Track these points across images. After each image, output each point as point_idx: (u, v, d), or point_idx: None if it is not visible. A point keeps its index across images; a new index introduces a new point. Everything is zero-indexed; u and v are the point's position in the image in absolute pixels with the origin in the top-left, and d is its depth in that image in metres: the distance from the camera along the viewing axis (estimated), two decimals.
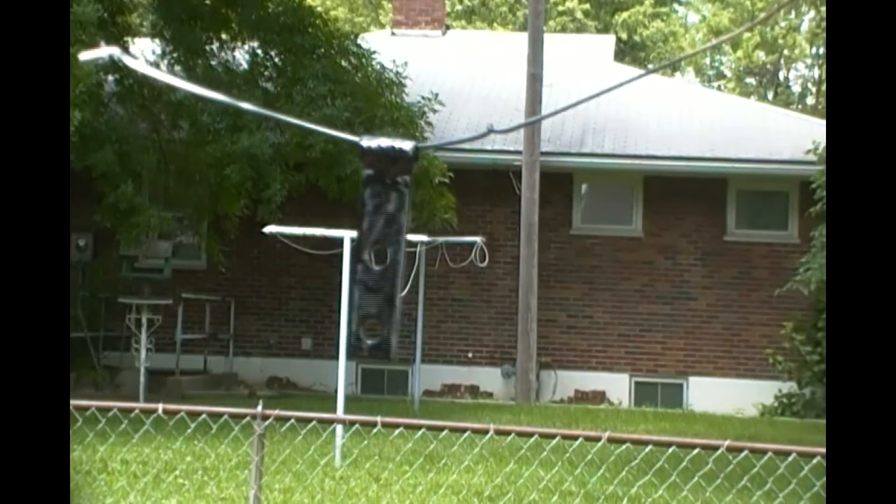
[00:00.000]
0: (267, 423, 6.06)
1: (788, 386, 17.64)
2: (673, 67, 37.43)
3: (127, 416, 6.63)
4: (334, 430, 9.76)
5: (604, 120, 18.64)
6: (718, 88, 39.90)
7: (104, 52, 1.80)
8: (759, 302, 17.87)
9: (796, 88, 44.86)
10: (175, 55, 15.89)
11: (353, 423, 8.67)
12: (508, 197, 17.93)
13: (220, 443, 8.55)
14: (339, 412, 10.10)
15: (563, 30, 37.28)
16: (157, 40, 16.46)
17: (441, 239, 14.88)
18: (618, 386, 18.16)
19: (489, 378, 18.25)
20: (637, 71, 26.17)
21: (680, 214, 18.25)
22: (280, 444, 9.33)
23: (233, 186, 14.79)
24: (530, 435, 7.00)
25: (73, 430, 5.66)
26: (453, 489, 8.45)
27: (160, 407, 6.18)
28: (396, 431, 9.78)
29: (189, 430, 7.21)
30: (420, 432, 8.76)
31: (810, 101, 42.24)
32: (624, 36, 39.34)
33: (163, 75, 2.11)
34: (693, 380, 18.11)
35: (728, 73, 44.82)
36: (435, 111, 16.33)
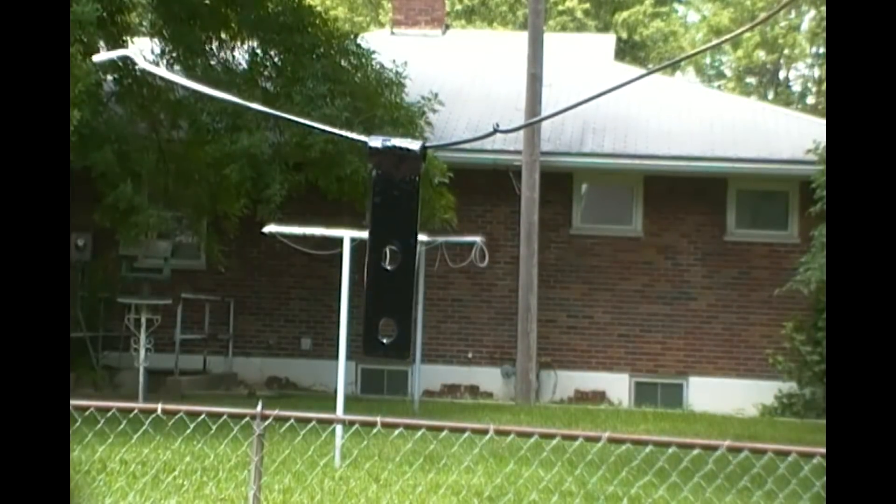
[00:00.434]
0: (266, 423, 6.06)
1: (788, 386, 17.65)
2: (673, 67, 37.43)
3: (126, 416, 6.63)
4: (334, 430, 9.76)
5: (604, 120, 18.63)
6: (718, 88, 39.89)
7: (118, 53, 1.81)
8: (759, 302, 17.87)
9: (796, 88, 44.86)
10: (174, 55, 15.89)
11: (352, 423, 8.67)
12: (508, 197, 17.93)
13: (220, 443, 8.55)
14: (339, 412, 10.10)
15: (563, 29, 37.28)
16: (156, 40, 16.45)
17: (441, 239, 14.88)
18: (618, 386, 18.16)
19: (489, 378, 18.25)
20: (637, 71, 26.17)
21: (680, 214, 18.25)
22: (279, 444, 9.33)
23: (232, 186, 14.79)
24: (530, 435, 7.00)
25: (73, 430, 5.65)
26: (453, 489, 8.45)
27: (159, 407, 6.18)
28: (396, 431, 9.77)
29: (188, 431, 7.20)
30: (420, 432, 8.75)
31: (810, 100, 42.24)
32: (624, 35, 39.34)
33: (176, 77, 2.12)
34: (693, 380, 18.12)
35: (728, 73, 44.82)
36: (435, 111, 16.32)
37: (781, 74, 44.28)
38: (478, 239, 15.38)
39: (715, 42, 13.27)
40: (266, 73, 15.97)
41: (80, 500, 7.04)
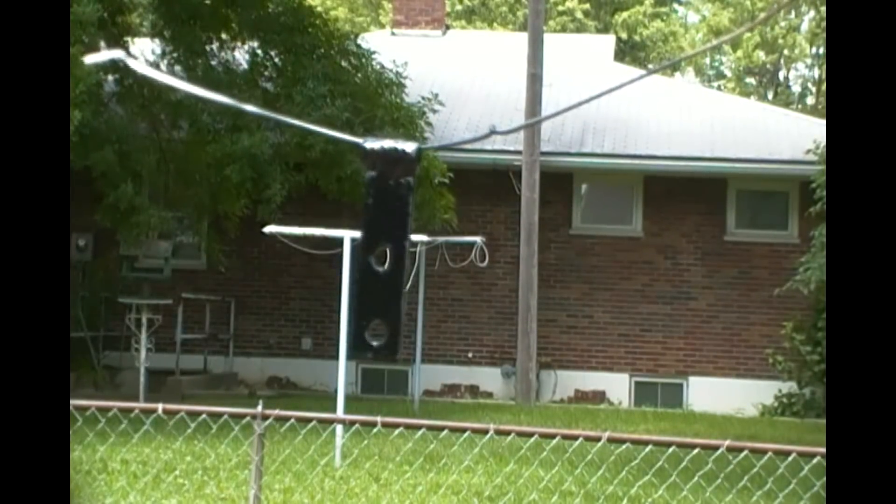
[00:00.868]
0: (267, 423, 6.06)
1: (788, 386, 17.64)
2: (673, 67, 37.43)
3: (127, 416, 6.64)
4: (334, 430, 9.76)
5: (604, 120, 18.63)
6: (718, 88, 39.89)
7: (108, 55, 1.81)
8: (759, 302, 17.87)
9: (796, 88, 44.87)
10: (175, 55, 15.89)
11: (353, 423, 8.67)
12: (508, 197, 17.93)
13: (220, 443, 8.55)
14: (339, 412, 10.10)
15: (563, 30, 37.29)
16: (157, 40, 16.45)
17: (441, 239, 14.88)
18: (618, 386, 18.16)
19: (489, 378, 18.25)
20: (637, 71, 26.19)
21: (680, 214, 18.25)
22: (280, 444, 9.33)
23: (233, 186, 14.80)
24: (530, 435, 7.00)
25: (73, 430, 5.66)
26: (453, 489, 8.45)
27: (160, 407, 6.18)
28: (396, 431, 9.77)
29: (189, 430, 7.20)
30: (420, 432, 8.76)
31: (810, 101, 42.25)
32: (624, 36, 39.34)
33: (166, 77, 2.12)
34: (693, 380, 18.11)
35: (728, 73, 44.83)
36: (435, 111, 16.32)
37: (781, 75, 44.28)
38: (478, 239, 15.38)
39: (715, 42, 13.29)
40: (266, 73, 15.98)
41: (81, 500, 7.04)
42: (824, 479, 2.63)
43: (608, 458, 8.97)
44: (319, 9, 19.06)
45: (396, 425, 7.73)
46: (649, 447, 6.57)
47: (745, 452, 6.26)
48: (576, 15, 39.27)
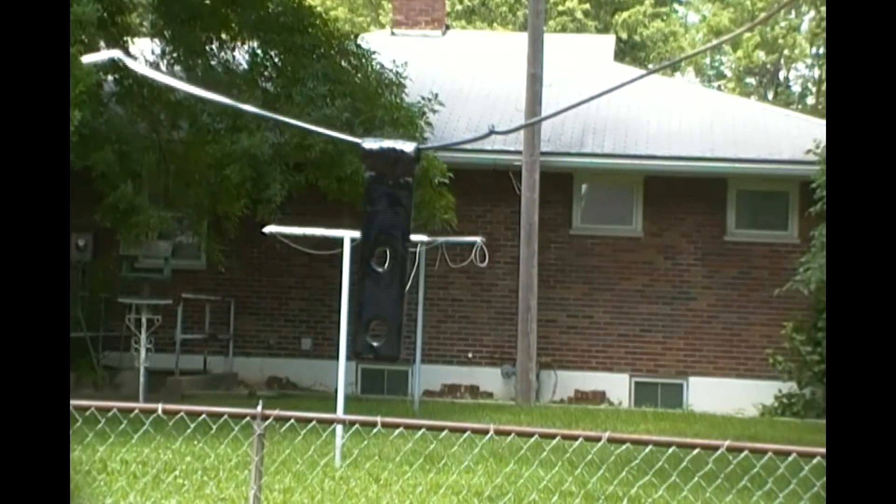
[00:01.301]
0: (267, 423, 6.06)
1: (788, 386, 17.64)
2: (673, 67, 37.43)
3: (126, 416, 6.63)
4: (334, 430, 9.77)
5: (604, 120, 18.64)
6: (718, 88, 39.90)
7: (106, 54, 1.81)
8: (759, 302, 17.87)
9: (796, 88, 44.87)
10: (175, 55, 15.88)
11: (353, 423, 8.67)
12: (508, 197, 17.93)
13: (220, 443, 8.55)
14: (339, 412, 10.10)
15: (563, 30, 37.29)
16: (156, 40, 16.44)
17: (441, 239, 14.88)
18: (618, 386, 18.16)
19: (489, 378, 18.25)
20: (637, 71, 26.19)
21: (680, 214, 18.24)
22: (280, 444, 9.33)
23: (233, 186, 14.79)
24: (530, 435, 7.00)
25: (73, 430, 5.65)
26: (453, 489, 8.45)
27: (160, 407, 6.18)
28: (396, 431, 9.77)
29: (189, 430, 7.20)
30: (420, 432, 8.76)
31: (810, 101, 42.25)
32: (624, 36, 39.35)
33: (164, 77, 2.12)
34: (693, 380, 18.11)
35: (728, 73, 44.83)
36: (435, 111, 16.32)
37: (781, 75, 44.28)
38: (478, 239, 15.38)
39: (715, 42, 13.30)
40: (266, 73, 15.97)
41: (81, 500, 7.04)
42: (824, 479, 2.63)
43: (608, 459, 8.97)
44: (319, 9, 19.06)
45: (396, 425, 7.73)
46: (649, 447, 6.57)
47: (745, 453, 6.26)
48: (576, 15, 39.27)
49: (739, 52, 41.50)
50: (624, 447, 8.33)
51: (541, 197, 17.21)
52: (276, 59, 15.88)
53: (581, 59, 21.34)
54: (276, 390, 17.88)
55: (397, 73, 16.13)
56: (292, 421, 6.64)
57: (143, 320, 14.77)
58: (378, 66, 16.11)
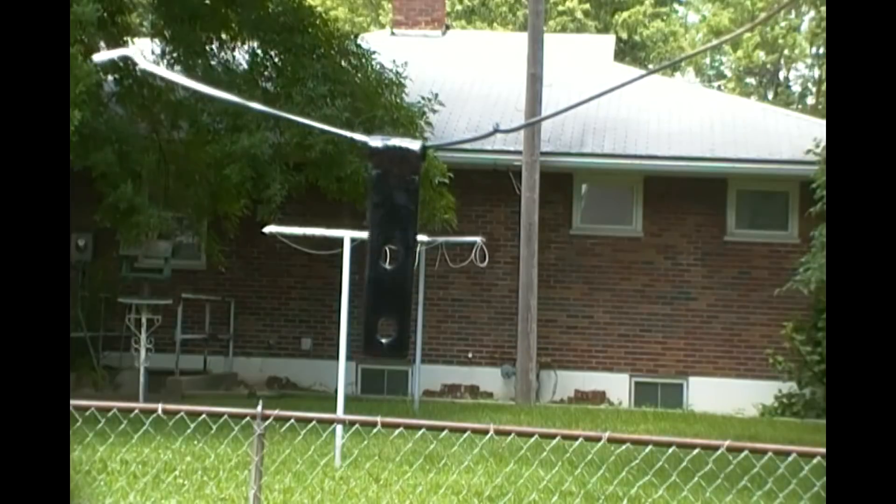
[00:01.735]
0: (267, 423, 6.06)
1: (788, 386, 17.64)
2: (673, 67, 37.43)
3: (126, 416, 6.63)
4: (334, 430, 9.76)
5: (604, 120, 18.64)
6: (718, 88, 39.89)
7: (118, 52, 1.81)
8: (759, 302, 17.87)
9: (796, 88, 44.86)
10: (175, 55, 15.88)
11: (353, 423, 8.67)
12: (508, 197, 17.93)
13: (220, 443, 8.55)
14: (339, 412, 10.10)
15: (563, 30, 37.28)
16: (156, 40, 16.44)
17: (441, 239, 14.88)
18: (618, 386, 18.16)
19: (489, 378, 18.25)
20: (637, 71, 26.20)
21: (680, 214, 18.24)
22: (280, 444, 9.33)
23: (233, 186, 14.79)
24: (530, 435, 7.00)
25: (73, 430, 5.66)
26: (453, 489, 8.45)
27: (160, 407, 6.18)
28: (396, 431, 9.78)
29: (189, 431, 7.21)
30: (420, 432, 8.76)
31: (810, 101, 42.24)
32: (624, 36, 39.34)
33: (177, 77, 2.12)
34: (693, 380, 18.11)
35: (728, 73, 44.82)
36: (435, 111, 16.32)
37: (781, 75, 44.28)
38: (478, 239, 15.38)
39: (715, 42, 13.30)
40: (266, 73, 15.97)
41: (81, 500, 7.04)
42: (824, 479, 2.63)
43: (608, 459, 8.97)
44: (319, 9, 19.05)
45: (396, 425, 7.73)
46: (649, 447, 6.57)
47: (745, 453, 6.26)
48: (576, 15, 39.26)
49: (739, 52, 41.49)
50: (624, 447, 8.33)
51: (541, 197, 17.21)
52: (276, 59, 15.88)
53: (581, 59, 21.34)
54: (276, 390, 17.88)
55: (397, 73, 16.13)
56: (292, 421, 6.64)
57: (143, 320, 14.77)
58: (378, 66, 16.11)
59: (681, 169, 17.93)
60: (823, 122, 14.88)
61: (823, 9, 31.76)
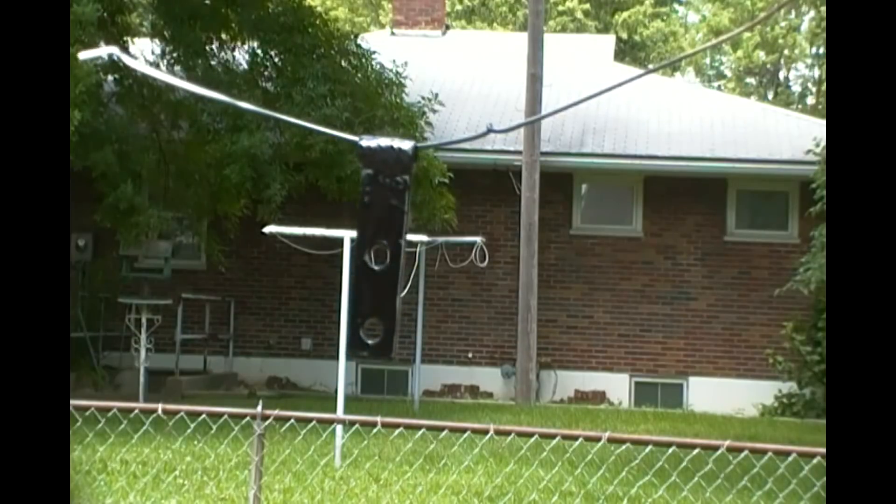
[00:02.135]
0: (267, 423, 6.06)
1: (788, 386, 17.64)
2: (673, 67, 37.44)
3: (126, 416, 6.63)
4: (334, 430, 9.76)
5: (604, 120, 18.64)
6: (718, 88, 39.90)
7: (104, 51, 1.81)
8: (759, 302, 17.87)
9: (796, 88, 44.86)
10: (175, 55, 15.88)
11: (353, 423, 8.67)
12: (508, 197, 17.93)
13: (220, 443, 8.55)
14: (339, 412, 10.10)
15: (563, 30, 37.29)
16: (156, 40, 16.45)
17: (441, 239, 14.88)
18: (618, 386, 18.16)
19: (489, 378, 18.25)
20: (637, 71, 26.15)
21: (680, 214, 18.25)
22: (280, 444, 9.33)
23: (233, 186, 14.79)
24: (530, 435, 7.00)
25: (73, 430, 5.66)
26: (453, 489, 8.45)
27: (160, 407, 6.18)
28: (396, 431, 9.77)
29: (189, 431, 7.21)
30: (420, 432, 8.76)
31: (810, 101, 42.25)
32: (624, 36, 39.35)
33: (161, 74, 2.12)
34: (693, 380, 18.11)
35: (728, 73, 44.83)
36: (435, 111, 16.32)
37: (781, 75, 44.28)
38: (478, 239, 15.38)
39: (715, 42, 13.29)
40: (266, 73, 15.97)
41: (81, 500, 7.04)
42: (824, 479, 2.63)
43: (608, 459, 8.97)
44: (319, 9, 19.06)
45: (396, 425, 7.73)
46: (649, 447, 6.57)
47: (745, 453, 6.26)
48: (576, 15, 39.26)
49: (739, 52, 41.49)
50: (624, 447, 8.33)
51: (541, 197, 17.21)
52: (276, 59, 15.88)
53: (581, 59, 21.34)
54: (276, 390, 17.88)
55: (397, 73, 16.13)
56: (292, 421, 6.65)
57: (143, 320, 14.77)
58: (378, 66, 16.11)
59: (681, 169, 17.93)
60: (823, 122, 14.88)
61: (823, 9, 31.76)
